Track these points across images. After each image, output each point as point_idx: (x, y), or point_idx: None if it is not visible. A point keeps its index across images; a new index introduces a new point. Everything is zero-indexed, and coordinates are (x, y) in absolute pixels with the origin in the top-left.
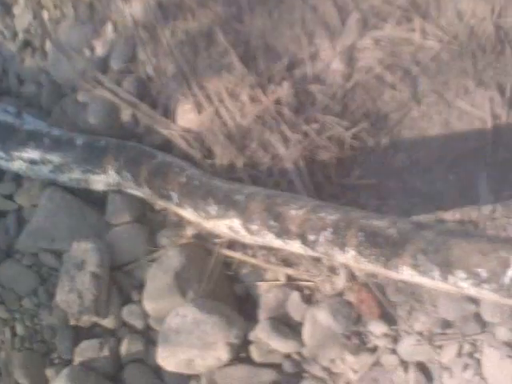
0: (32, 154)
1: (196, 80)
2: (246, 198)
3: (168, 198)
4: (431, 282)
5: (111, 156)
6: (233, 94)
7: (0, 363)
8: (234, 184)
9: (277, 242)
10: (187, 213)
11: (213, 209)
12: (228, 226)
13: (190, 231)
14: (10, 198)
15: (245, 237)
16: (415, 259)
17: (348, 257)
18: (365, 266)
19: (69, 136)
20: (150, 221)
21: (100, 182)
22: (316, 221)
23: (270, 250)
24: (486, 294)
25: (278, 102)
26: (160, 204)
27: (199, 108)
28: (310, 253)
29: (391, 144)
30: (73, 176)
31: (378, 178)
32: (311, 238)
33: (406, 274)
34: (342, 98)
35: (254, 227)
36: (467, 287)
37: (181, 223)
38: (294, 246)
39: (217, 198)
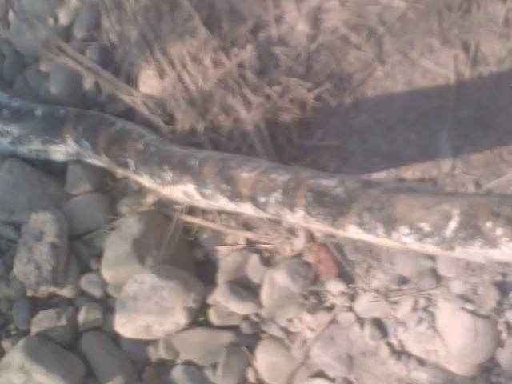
0: None
1: (159, 46)
2: (199, 163)
3: (125, 165)
4: (376, 239)
5: (70, 125)
6: (196, 58)
7: None
8: (190, 149)
9: (230, 206)
10: (144, 180)
11: (168, 175)
12: (183, 191)
13: (150, 199)
14: None
15: (200, 201)
16: (361, 217)
17: (297, 217)
18: (314, 225)
19: (28, 107)
20: (110, 190)
21: (59, 152)
22: (267, 182)
23: (230, 214)
24: (428, 247)
25: (241, 65)
26: (118, 172)
27: (162, 74)
28: (262, 214)
29: (354, 105)
30: (32, 147)
31: (339, 139)
32: (262, 199)
33: (352, 232)
34: (306, 59)
35: (208, 191)
36: (410, 242)
37: (141, 191)
38: (246, 209)
39: (171, 164)
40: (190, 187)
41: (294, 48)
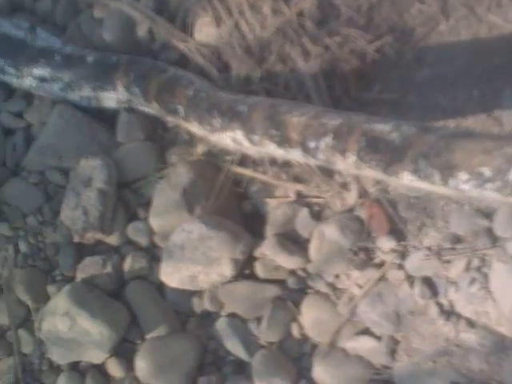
0: (42, 71)
1: None
2: (248, 109)
3: (175, 112)
4: (431, 186)
5: (121, 72)
6: (254, 6)
7: (2, 280)
8: (239, 95)
9: (279, 152)
10: (193, 127)
11: (217, 121)
12: (232, 137)
13: (200, 149)
14: (19, 115)
15: (248, 148)
16: (416, 164)
17: (348, 163)
18: (365, 171)
19: (80, 53)
20: (160, 139)
21: (110, 99)
22: (317, 127)
23: (280, 167)
24: (488, 194)
25: (300, 14)
26: (168, 119)
27: (218, 21)
28: (311, 161)
29: (415, 59)
30: (83, 94)
31: (399, 93)
32: (312, 145)
33: (405, 179)
34: (368, 11)
35: (256, 137)
36: (469, 189)
37: (191, 141)
38: (295, 155)
39: (220, 110)
40: (239, 133)
41: None
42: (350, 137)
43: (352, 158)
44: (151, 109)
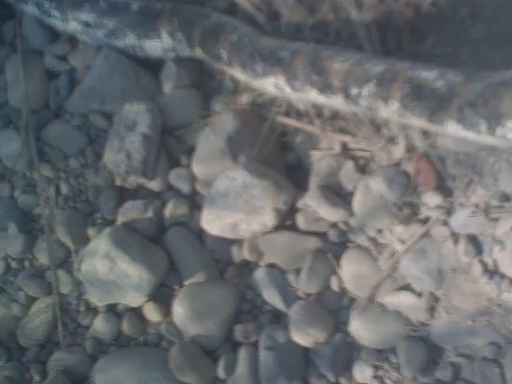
0: (87, 16)
1: None
2: (290, 54)
3: (219, 57)
4: (477, 136)
5: (166, 19)
6: None
7: (43, 220)
8: (282, 41)
9: (320, 98)
10: (236, 72)
11: (259, 66)
12: (273, 83)
13: (245, 98)
14: (63, 58)
15: (290, 94)
16: (461, 112)
17: (391, 110)
18: (408, 119)
19: (125, 0)
20: (205, 87)
21: (155, 47)
22: (360, 73)
23: (326, 118)
24: None
25: None
26: (212, 65)
27: None
28: (353, 108)
29: (470, 14)
30: (128, 41)
31: (452, 48)
32: (354, 91)
33: (450, 128)
34: None
35: (298, 83)
36: None
37: (236, 90)
38: (337, 101)
39: (263, 56)
40: (281, 79)
41: None
42: (394, 83)
43: (395, 105)
44: (195, 54)
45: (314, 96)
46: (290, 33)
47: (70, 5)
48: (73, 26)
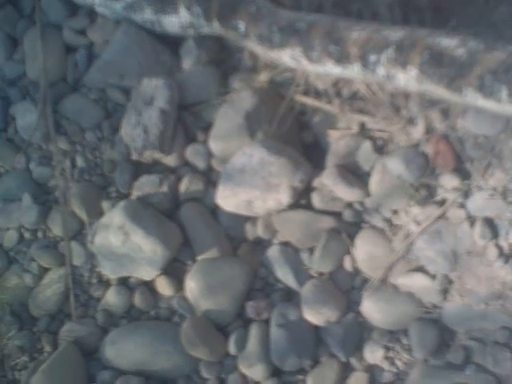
0: None
1: None
2: (307, 25)
3: (236, 28)
4: (497, 104)
5: None
6: None
7: (58, 191)
8: (300, 13)
9: (336, 70)
10: (253, 43)
11: (276, 37)
12: (290, 54)
13: (264, 76)
14: (82, 32)
15: (306, 66)
16: (482, 80)
17: (410, 76)
18: (427, 86)
19: None
20: (224, 65)
21: (173, 23)
22: (379, 40)
23: (345, 98)
24: None
25: None
26: (228, 37)
27: None
28: (370, 77)
29: None
30: (145, 16)
31: (474, 29)
32: (372, 58)
33: (469, 96)
34: None
35: (315, 54)
36: None
37: (255, 68)
38: (354, 71)
39: (280, 26)
40: (297, 50)
41: None
42: (413, 49)
43: (414, 71)
44: (212, 28)
45: (330, 67)
46: (312, 10)
47: None
48: None
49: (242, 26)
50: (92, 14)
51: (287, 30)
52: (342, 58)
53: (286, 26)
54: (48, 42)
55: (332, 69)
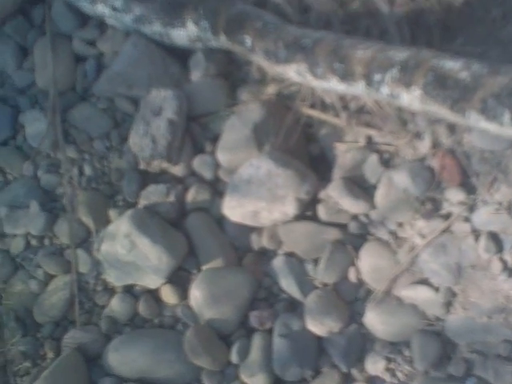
0: (115, 1)
1: None
2: (313, 42)
3: (242, 42)
4: (499, 127)
5: (191, 7)
6: None
7: (65, 199)
8: (306, 29)
9: (341, 86)
10: (259, 57)
11: (282, 52)
12: (295, 70)
13: (271, 88)
14: (92, 43)
15: (311, 81)
16: (485, 103)
17: (413, 96)
18: (430, 106)
19: None
20: (232, 77)
21: (181, 36)
22: (383, 60)
23: (352, 112)
24: None
25: None
26: (235, 51)
27: None
28: (374, 95)
29: (502, 15)
30: (154, 28)
31: (482, 48)
32: (377, 77)
33: (472, 119)
34: None
35: (320, 70)
36: None
37: (263, 80)
38: (358, 88)
39: (286, 42)
40: (303, 66)
41: None
42: (417, 70)
43: (418, 92)
44: (218, 42)
45: (334, 83)
46: (319, 27)
47: None
48: (100, 9)
49: (248, 40)
50: (102, 26)
51: (293, 46)
52: (346, 76)
53: (291, 42)
54: (58, 51)
55: (337, 85)
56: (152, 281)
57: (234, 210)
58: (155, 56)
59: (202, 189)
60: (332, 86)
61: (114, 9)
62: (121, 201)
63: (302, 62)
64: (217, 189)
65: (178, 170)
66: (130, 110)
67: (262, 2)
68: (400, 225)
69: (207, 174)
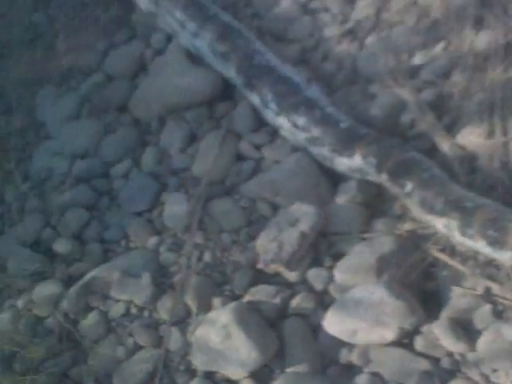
0: (298, 118)
1: (501, 109)
2: (475, 206)
3: (402, 186)
4: None
5: (365, 142)
6: None
7: (178, 278)
8: (469, 192)
9: (486, 250)
10: (413, 203)
11: (439, 206)
12: (445, 224)
13: (408, 225)
14: (258, 147)
15: (455, 237)
16: None
17: None
18: None
19: (338, 116)
20: (373, 207)
21: (344, 164)
22: None
23: (477, 262)
24: None
25: None
26: (391, 190)
27: (490, 135)
28: None
29: None
30: (322, 151)
31: None
32: None
33: None
34: None
35: (470, 231)
36: None
37: (402, 216)
38: (505, 256)
39: (447, 199)
40: (454, 223)
41: None
42: None
43: None
44: (378, 178)
45: (480, 246)
46: (483, 189)
47: (288, 103)
48: (281, 121)
49: (409, 186)
50: (274, 134)
51: (453, 204)
52: (496, 244)
53: (453, 200)
54: (224, 146)
55: (482, 248)
56: (235, 372)
57: (335, 325)
58: (312, 175)
59: (309, 298)
60: (476, 246)
61: (295, 125)
62: (228, 291)
63: (456, 219)
64: (322, 301)
65: (291, 275)
66: (267, 213)
67: (433, 153)
68: (495, 370)
69: (318, 286)
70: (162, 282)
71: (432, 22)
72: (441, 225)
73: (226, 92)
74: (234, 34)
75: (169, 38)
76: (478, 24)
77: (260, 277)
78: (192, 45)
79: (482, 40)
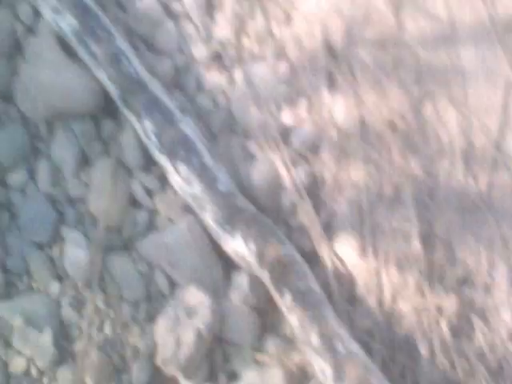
0: (180, 165)
1: (371, 225)
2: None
3: (282, 294)
4: None
5: (245, 219)
6: (400, 266)
7: (80, 350)
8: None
9: None
10: (293, 321)
11: (315, 340)
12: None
13: (297, 356)
14: (149, 194)
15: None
16: None
17: None
18: None
19: (216, 173)
20: (267, 317)
21: (228, 245)
22: None
23: None
24: None
25: (439, 309)
26: (273, 295)
27: (363, 251)
28: None
29: None
30: (206, 218)
31: None
32: None
33: None
34: None
35: None
36: None
37: (292, 342)
38: None
39: (322, 331)
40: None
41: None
42: None
43: None
44: (261, 275)
45: None
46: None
47: (169, 140)
48: (164, 163)
49: (288, 297)
50: (164, 179)
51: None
52: None
53: (327, 333)
54: (117, 182)
55: None
56: None
57: None
58: (205, 251)
59: None
60: None
61: (178, 172)
62: (127, 382)
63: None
64: None
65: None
66: (165, 290)
67: (310, 258)
68: None
69: None
70: (66, 346)
71: (290, 66)
72: (316, 366)
73: (110, 105)
74: (94, 20)
75: (36, 13)
76: (331, 83)
77: (158, 376)
78: (56, 24)
79: (339, 111)
